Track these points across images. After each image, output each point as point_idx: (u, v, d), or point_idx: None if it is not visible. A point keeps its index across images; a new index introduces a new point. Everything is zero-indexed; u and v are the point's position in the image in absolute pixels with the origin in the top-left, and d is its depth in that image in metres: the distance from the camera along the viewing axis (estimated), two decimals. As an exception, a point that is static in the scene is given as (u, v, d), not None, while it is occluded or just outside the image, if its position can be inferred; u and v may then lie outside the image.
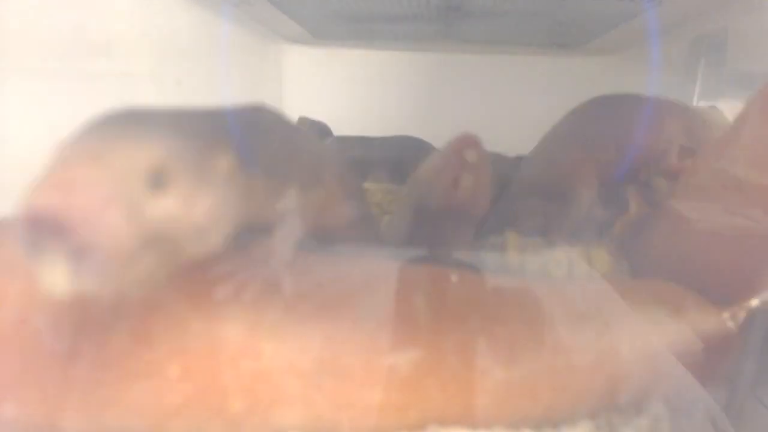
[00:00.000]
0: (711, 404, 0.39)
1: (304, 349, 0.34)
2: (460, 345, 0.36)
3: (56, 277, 0.23)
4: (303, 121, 0.95)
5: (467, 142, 0.50)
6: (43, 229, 0.22)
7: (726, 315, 0.44)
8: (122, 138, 0.25)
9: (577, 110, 0.61)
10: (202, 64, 0.76)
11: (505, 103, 1.12)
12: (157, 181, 0.25)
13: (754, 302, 0.48)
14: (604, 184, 0.58)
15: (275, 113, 0.42)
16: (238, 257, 0.35)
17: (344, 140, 0.90)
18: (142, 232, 0.24)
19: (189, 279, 0.34)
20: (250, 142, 0.33)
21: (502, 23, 0.88)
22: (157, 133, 0.26)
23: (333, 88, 1.14)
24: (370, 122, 1.08)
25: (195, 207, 0.27)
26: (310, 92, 1.14)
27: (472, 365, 0.35)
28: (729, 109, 0.65)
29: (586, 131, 0.59)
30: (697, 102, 0.76)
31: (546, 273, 0.54)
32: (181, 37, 0.72)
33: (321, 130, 0.97)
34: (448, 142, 0.52)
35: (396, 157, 0.80)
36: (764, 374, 0.42)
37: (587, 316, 0.39)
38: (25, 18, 0.46)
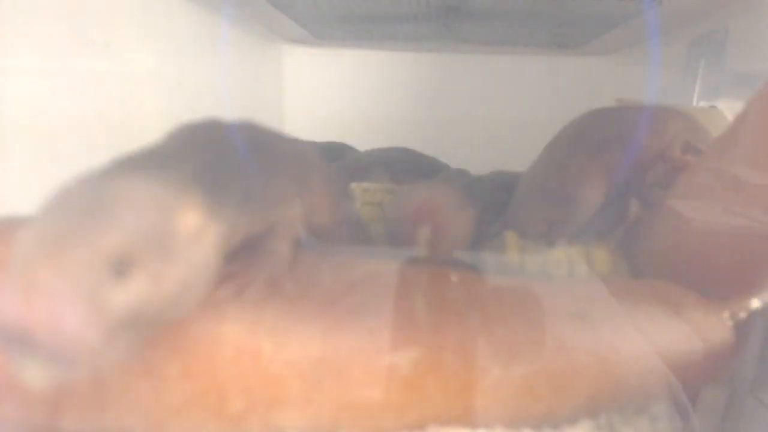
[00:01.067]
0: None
1: (304, 349, 0.34)
2: (460, 345, 0.36)
3: (34, 373, 0.23)
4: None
5: (419, 216, 0.48)
6: (12, 334, 0.22)
7: (726, 315, 0.44)
8: (80, 230, 0.24)
9: (584, 117, 0.61)
10: (202, 64, 0.76)
11: (505, 103, 1.12)
12: (121, 267, 0.24)
13: (754, 302, 0.48)
14: (610, 187, 0.58)
15: (253, 128, 0.40)
16: (239, 259, 0.35)
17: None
18: (113, 320, 0.24)
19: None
20: (229, 170, 0.33)
21: (502, 23, 0.88)
22: (115, 217, 0.25)
23: (333, 89, 1.14)
24: (370, 122, 1.08)
25: (165, 281, 0.26)
26: (310, 92, 1.14)
27: (472, 365, 0.35)
28: (729, 109, 0.65)
29: (593, 136, 0.59)
30: (697, 102, 0.76)
31: (546, 273, 0.54)
32: (181, 37, 0.72)
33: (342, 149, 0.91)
34: (406, 201, 0.51)
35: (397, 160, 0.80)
36: (764, 374, 0.42)
37: (587, 316, 0.39)
38: (25, 18, 0.46)
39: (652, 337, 0.40)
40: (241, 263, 0.35)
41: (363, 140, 0.88)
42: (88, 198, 0.25)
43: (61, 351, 0.23)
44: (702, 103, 0.75)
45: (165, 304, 0.26)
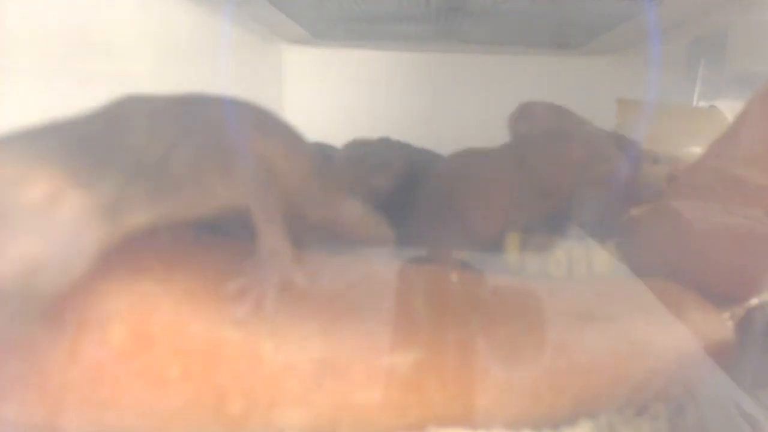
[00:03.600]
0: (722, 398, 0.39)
1: (304, 349, 0.34)
2: (460, 345, 0.36)
3: None
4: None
5: None
6: None
7: (726, 315, 0.44)
8: None
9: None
10: (202, 64, 0.76)
11: (505, 103, 1.12)
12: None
13: (754, 302, 0.48)
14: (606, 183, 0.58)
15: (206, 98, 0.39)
16: (237, 256, 0.35)
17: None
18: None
19: (189, 279, 0.34)
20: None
21: (502, 23, 0.88)
22: None
23: (333, 89, 1.14)
24: (370, 122, 1.08)
25: (11, 254, 0.25)
26: (310, 92, 1.14)
27: (472, 365, 0.35)
28: (729, 109, 0.65)
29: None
30: (697, 102, 0.76)
31: (546, 273, 0.54)
32: (181, 37, 0.72)
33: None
34: None
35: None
36: (764, 374, 0.42)
37: (587, 316, 0.39)
38: (26, 18, 0.46)
39: (652, 338, 0.40)
40: (244, 269, 0.35)
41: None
42: None
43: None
44: (702, 103, 0.75)
45: (25, 278, 0.25)
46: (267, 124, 0.42)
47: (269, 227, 0.36)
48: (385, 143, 0.79)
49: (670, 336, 0.41)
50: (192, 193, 0.34)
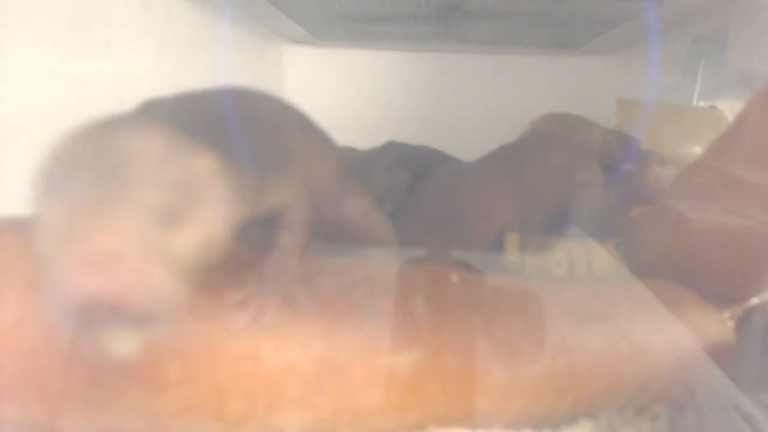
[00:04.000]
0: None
1: (304, 350, 0.34)
2: (460, 345, 0.36)
3: (122, 345, 0.23)
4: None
5: None
6: (90, 313, 0.22)
7: (726, 315, 0.44)
8: (116, 191, 0.24)
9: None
10: (202, 64, 0.76)
11: (505, 103, 1.12)
12: (167, 218, 0.25)
13: (754, 302, 0.48)
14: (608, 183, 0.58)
15: (262, 96, 0.40)
16: (239, 260, 0.35)
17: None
18: (178, 269, 0.25)
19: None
20: (233, 131, 0.32)
21: (502, 23, 0.88)
22: (144, 171, 0.25)
23: (333, 89, 1.14)
24: (370, 122, 1.08)
25: (206, 221, 0.26)
26: (310, 92, 1.14)
27: (473, 366, 0.35)
28: (729, 109, 0.65)
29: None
30: (697, 102, 0.76)
31: (546, 273, 0.54)
32: (182, 37, 0.72)
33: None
34: None
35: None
36: (764, 374, 0.42)
37: (587, 316, 0.39)
38: (26, 17, 0.46)
39: (652, 338, 0.40)
40: (248, 280, 0.34)
41: (363, 140, 0.88)
42: (104, 155, 0.25)
43: (144, 311, 0.23)
44: (702, 103, 0.75)
45: (210, 244, 0.27)
46: (308, 126, 0.43)
47: (290, 240, 0.36)
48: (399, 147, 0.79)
49: (670, 336, 0.41)
50: (257, 193, 0.33)
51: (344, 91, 1.14)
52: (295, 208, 0.36)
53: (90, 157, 0.25)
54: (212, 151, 0.28)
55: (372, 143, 0.85)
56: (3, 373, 0.31)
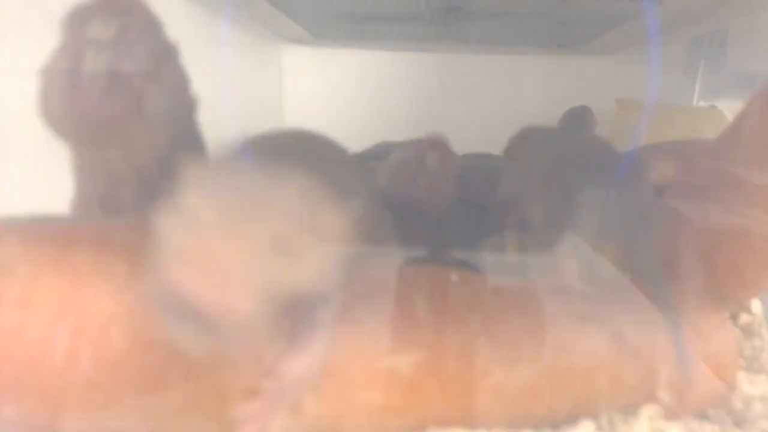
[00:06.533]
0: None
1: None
2: (461, 346, 0.36)
3: (191, 339, 0.26)
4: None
5: (430, 144, 0.52)
6: (180, 302, 0.25)
7: (726, 315, 0.44)
8: (251, 217, 0.27)
9: None
10: (202, 64, 0.76)
11: (506, 103, 1.12)
12: (282, 248, 0.27)
13: (754, 302, 0.48)
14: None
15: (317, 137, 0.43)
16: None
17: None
18: (272, 294, 0.27)
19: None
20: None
21: (502, 23, 0.88)
22: (280, 205, 0.28)
23: (333, 89, 1.14)
24: (370, 122, 1.08)
25: (316, 262, 0.29)
26: (310, 92, 1.14)
27: (473, 366, 0.35)
28: (729, 109, 0.65)
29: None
30: (697, 102, 0.76)
31: (546, 273, 0.54)
32: (181, 37, 0.71)
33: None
34: (415, 140, 0.53)
35: None
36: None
37: (588, 316, 0.39)
38: (25, 17, 0.46)
39: (652, 338, 0.40)
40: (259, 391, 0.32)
41: (363, 140, 0.88)
42: (252, 188, 0.29)
43: (226, 323, 0.25)
44: (702, 103, 0.75)
45: (311, 282, 0.29)
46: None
47: (317, 346, 0.33)
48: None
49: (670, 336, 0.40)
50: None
51: (344, 91, 1.14)
52: (333, 304, 0.34)
53: (243, 187, 0.29)
54: (352, 210, 0.32)
55: (371, 143, 0.86)
56: (3, 373, 0.32)
